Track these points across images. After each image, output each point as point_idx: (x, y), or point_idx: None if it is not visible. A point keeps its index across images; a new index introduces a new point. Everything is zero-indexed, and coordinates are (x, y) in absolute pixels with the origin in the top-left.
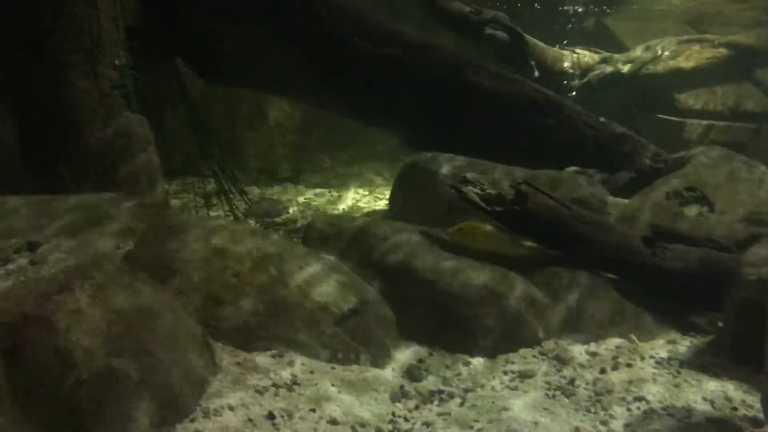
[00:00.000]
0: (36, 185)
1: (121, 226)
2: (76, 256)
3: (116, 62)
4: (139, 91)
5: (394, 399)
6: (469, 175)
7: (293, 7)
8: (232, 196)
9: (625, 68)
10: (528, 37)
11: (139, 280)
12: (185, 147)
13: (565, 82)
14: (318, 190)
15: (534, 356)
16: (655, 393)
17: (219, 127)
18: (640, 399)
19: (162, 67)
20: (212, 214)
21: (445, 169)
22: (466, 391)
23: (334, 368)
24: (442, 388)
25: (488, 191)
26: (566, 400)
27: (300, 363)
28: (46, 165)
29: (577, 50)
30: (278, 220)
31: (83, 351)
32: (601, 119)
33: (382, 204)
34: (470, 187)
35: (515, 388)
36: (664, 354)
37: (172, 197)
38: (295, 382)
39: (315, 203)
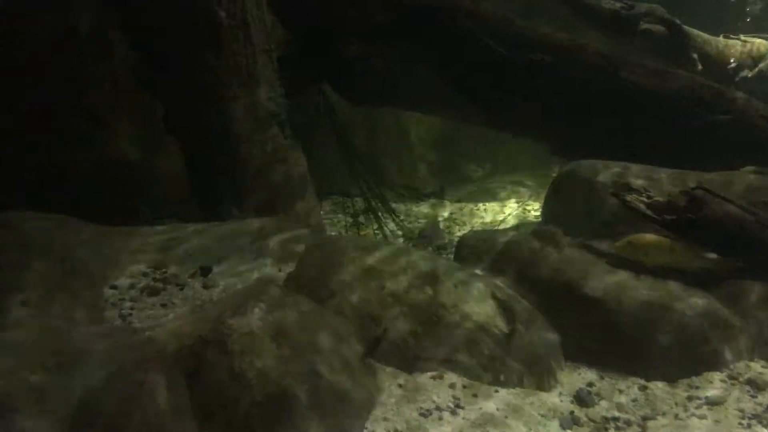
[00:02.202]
0: (202, 212)
1: (282, 249)
2: (243, 279)
3: (271, 93)
4: (291, 117)
5: (565, 425)
6: (634, 182)
7: (437, 21)
8: (380, 214)
9: None
10: (688, 28)
11: (303, 302)
12: (332, 168)
13: (733, 73)
14: (463, 204)
15: (722, 380)
16: None
17: (362, 146)
18: None
19: (309, 92)
20: (361, 233)
21: (605, 177)
22: (645, 419)
23: (497, 391)
24: (617, 414)
25: (656, 198)
26: (765, 430)
27: (461, 385)
28: (212, 194)
29: (744, 38)
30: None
31: (256, 373)
32: None
33: (531, 216)
34: (635, 195)
35: (703, 417)
36: None
37: (323, 217)
38: (458, 405)
39: (461, 218)
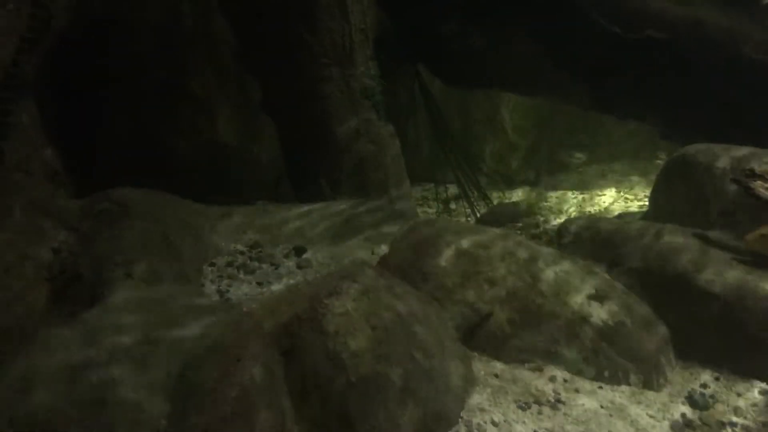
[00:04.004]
0: (297, 194)
1: (375, 231)
2: (337, 260)
3: (366, 73)
4: (386, 99)
5: (676, 428)
6: (758, 168)
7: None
8: (473, 200)
9: None
10: None
11: (397, 284)
12: (424, 153)
13: None
14: (560, 192)
15: None
16: None
17: (456, 131)
18: None
19: (405, 73)
20: (453, 219)
21: (724, 162)
22: (766, 425)
23: (601, 387)
24: (734, 420)
25: None
26: None
27: (562, 379)
28: (306, 175)
29: None
30: (519, 224)
31: (351, 354)
32: None
33: (634, 206)
34: (759, 182)
35: None
36: None
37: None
38: (558, 400)
39: (558, 206)
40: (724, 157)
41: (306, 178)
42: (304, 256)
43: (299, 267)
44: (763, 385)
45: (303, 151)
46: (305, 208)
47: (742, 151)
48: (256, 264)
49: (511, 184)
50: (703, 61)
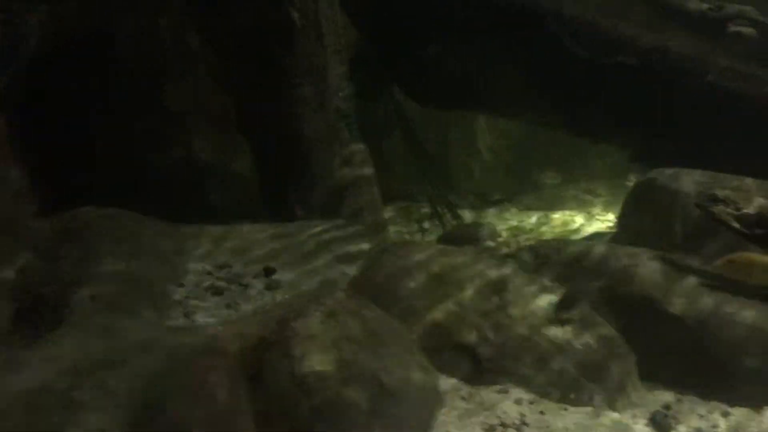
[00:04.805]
0: (270, 214)
1: (346, 252)
2: (307, 282)
3: (340, 94)
4: (360, 119)
5: None
6: (720, 193)
7: (521, 23)
8: (446, 220)
9: None
10: None
11: (366, 306)
12: (399, 172)
13: None
14: (532, 212)
15: None
16: None
17: (432, 151)
18: None
19: (380, 95)
20: (427, 239)
21: (689, 186)
22: None
23: (566, 409)
24: None
25: (745, 211)
26: None
27: (528, 401)
28: (280, 195)
29: None
30: (491, 244)
31: (317, 378)
32: None
33: (603, 226)
34: (721, 207)
35: None
36: None
37: (388, 222)
38: (524, 422)
39: (530, 226)
40: (689, 181)
41: (279, 198)
42: (274, 276)
43: (269, 288)
44: (725, 406)
45: (276, 171)
46: (277, 228)
47: (705, 176)
48: (225, 285)
49: (485, 203)
50: (671, 88)
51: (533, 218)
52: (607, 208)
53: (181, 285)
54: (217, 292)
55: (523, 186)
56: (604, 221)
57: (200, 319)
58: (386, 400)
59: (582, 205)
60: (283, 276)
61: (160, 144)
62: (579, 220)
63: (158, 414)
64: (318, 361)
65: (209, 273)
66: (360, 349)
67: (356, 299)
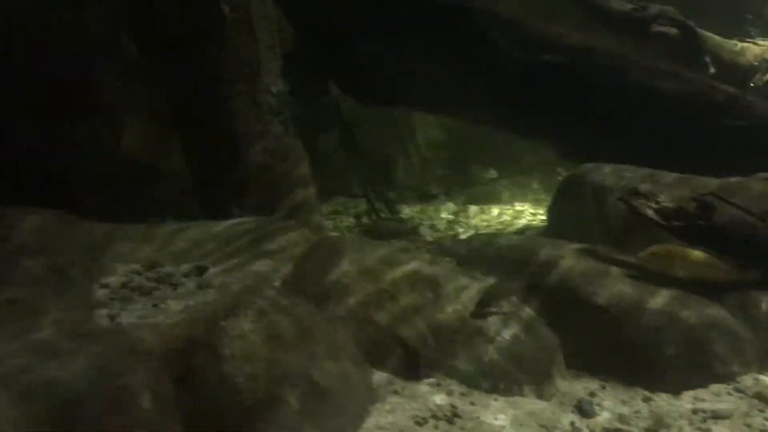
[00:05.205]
0: (203, 211)
1: (280, 249)
2: (240, 280)
3: (274, 89)
4: (295, 115)
5: None
6: (641, 187)
7: (452, 21)
8: (382, 215)
9: None
10: (701, 31)
11: (298, 304)
12: (338, 168)
13: (745, 75)
14: (469, 206)
15: (728, 393)
16: None
17: (371, 146)
18: None
19: (317, 91)
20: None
21: (613, 181)
22: (648, 431)
23: (496, 400)
24: (619, 426)
25: (665, 204)
26: None
27: (459, 392)
28: (213, 192)
29: (761, 41)
30: (428, 238)
31: (247, 378)
32: None
33: (536, 220)
34: (643, 201)
35: (707, 431)
36: None
37: (325, 218)
38: (455, 414)
39: (466, 220)
40: (613, 176)
41: (212, 195)
42: (206, 275)
43: (200, 287)
44: (646, 391)
45: (210, 167)
46: (210, 225)
47: (628, 170)
48: (154, 284)
49: (423, 198)
50: (597, 85)
51: (470, 212)
52: (540, 202)
53: (106, 286)
54: (145, 292)
55: (461, 181)
56: (537, 215)
57: (125, 320)
58: (317, 398)
59: (517, 199)
60: (215, 275)
61: (90, 141)
62: (513, 213)
63: (79, 423)
64: (248, 361)
65: (137, 273)
66: (291, 347)
67: (288, 297)
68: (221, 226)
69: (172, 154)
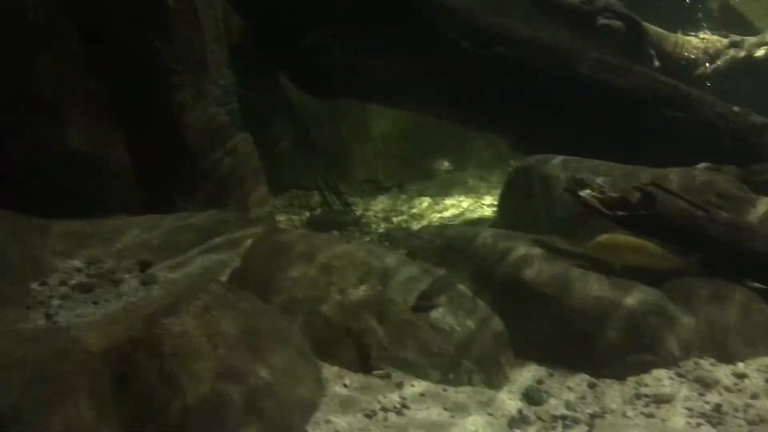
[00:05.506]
0: (148, 206)
1: (228, 244)
2: (185, 275)
3: (221, 81)
4: (245, 108)
5: (512, 425)
6: (587, 178)
7: (401, 13)
8: (335, 208)
9: (761, 52)
10: (646, 24)
11: (245, 299)
12: (292, 161)
13: (688, 67)
14: (423, 199)
15: (670, 378)
16: None
17: (325, 139)
18: None
19: (268, 83)
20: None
21: (559, 172)
22: (593, 416)
23: (445, 390)
24: (566, 413)
25: (609, 194)
26: (712, 429)
27: (410, 384)
28: (158, 185)
29: (702, 35)
30: (381, 230)
31: (189, 376)
32: (735, 109)
33: (489, 211)
34: (588, 191)
35: (650, 415)
36: None
37: (278, 211)
38: (404, 406)
39: (420, 212)
40: (559, 167)
41: (158, 190)
42: (150, 271)
43: (144, 284)
44: (591, 378)
45: (155, 161)
46: (156, 220)
47: (574, 161)
48: (95, 281)
49: (378, 190)
50: (544, 78)
51: (424, 204)
52: (494, 194)
53: (44, 283)
54: (86, 289)
55: (415, 173)
56: (491, 207)
57: (63, 320)
58: (264, 395)
59: (471, 192)
60: (159, 270)
61: (31, 135)
62: (467, 205)
63: (14, 425)
64: (191, 359)
65: (78, 270)
66: (237, 343)
67: (235, 292)
68: (167, 220)
69: (117, 147)
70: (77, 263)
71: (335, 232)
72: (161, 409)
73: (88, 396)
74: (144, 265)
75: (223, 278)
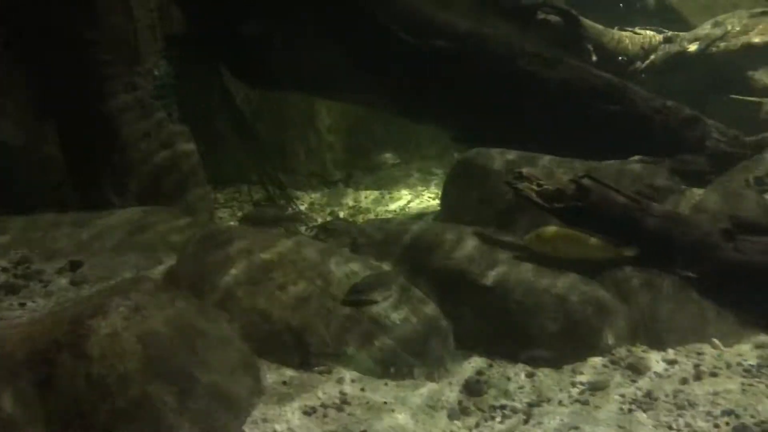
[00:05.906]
0: (81, 201)
1: (164, 241)
2: (117, 274)
3: (155, 72)
4: (184, 100)
5: (453, 416)
6: (525, 170)
7: (340, 4)
8: (280, 202)
9: (693, 47)
10: (584, 19)
11: (180, 297)
12: (235, 155)
13: (624, 62)
14: (369, 192)
15: (605, 366)
16: (746, 406)
17: (269, 132)
18: (728, 413)
19: (207, 74)
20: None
21: (499, 165)
22: (531, 405)
23: (386, 384)
24: (504, 402)
25: (546, 187)
26: (644, 415)
27: (350, 379)
28: (90, 180)
29: (638, 30)
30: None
31: (118, 378)
32: (668, 103)
33: (434, 204)
34: (526, 183)
35: (586, 402)
36: (753, 360)
37: (221, 206)
38: (345, 401)
39: (366, 206)
40: (499, 160)
41: (91, 184)
42: (80, 270)
43: (74, 284)
44: (529, 368)
45: (87, 155)
46: (87, 216)
47: (513, 155)
48: (22, 282)
49: (323, 184)
50: (486, 72)
51: (369, 198)
52: (440, 186)
53: None
54: (13, 290)
55: (361, 166)
56: (434, 198)
57: None
58: (198, 395)
59: (417, 185)
60: (91, 269)
61: None
62: (412, 199)
63: None
64: (119, 360)
65: (5, 269)
66: (170, 343)
67: (169, 291)
68: (100, 216)
69: (50, 140)
70: (4, 263)
71: (279, 228)
72: (89, 412)
73: (11, 398)
74: (74, 265)
75: (157, 276)
